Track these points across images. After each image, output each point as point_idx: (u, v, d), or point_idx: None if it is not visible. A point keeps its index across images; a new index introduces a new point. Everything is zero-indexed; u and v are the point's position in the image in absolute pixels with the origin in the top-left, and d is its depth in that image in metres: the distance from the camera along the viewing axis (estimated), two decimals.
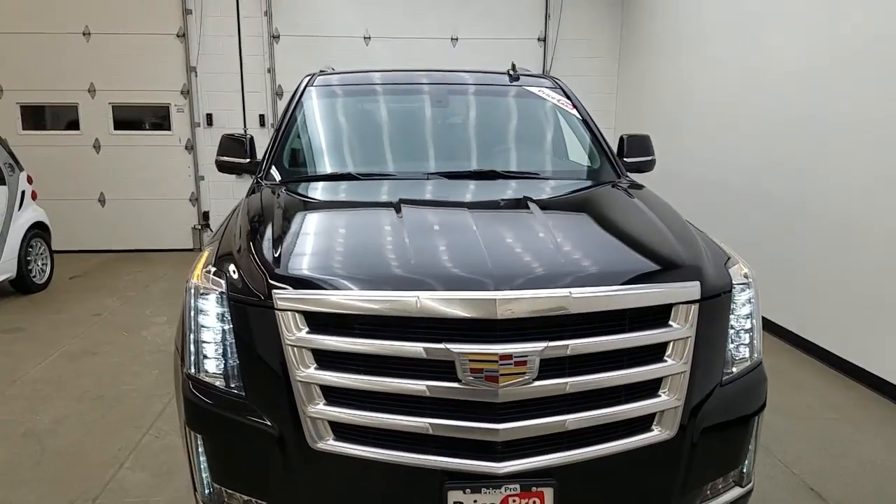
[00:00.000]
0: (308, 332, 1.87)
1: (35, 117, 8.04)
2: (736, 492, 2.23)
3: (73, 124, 8.02)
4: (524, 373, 1.83)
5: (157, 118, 8.13)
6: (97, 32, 7.79)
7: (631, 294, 1.95)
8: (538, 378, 1.85)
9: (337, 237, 2.33)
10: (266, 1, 7.93)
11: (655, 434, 1.98)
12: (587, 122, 3.53)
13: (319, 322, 1.89)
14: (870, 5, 4.07)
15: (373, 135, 3.45)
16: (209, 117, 8.12)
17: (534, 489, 1.88)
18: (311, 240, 2.28)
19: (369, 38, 8.12)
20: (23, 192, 6.29)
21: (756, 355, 2.27)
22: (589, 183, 3.17)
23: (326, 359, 1.88)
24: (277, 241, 2.19)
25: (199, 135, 8.16)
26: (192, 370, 2.05)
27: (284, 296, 1.89)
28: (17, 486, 3.00)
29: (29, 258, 6.23)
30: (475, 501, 1.87)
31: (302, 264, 2.06)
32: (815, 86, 4.58)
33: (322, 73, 3.81)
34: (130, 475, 3.10)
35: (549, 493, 1.88)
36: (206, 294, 2.05)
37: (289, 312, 1.88)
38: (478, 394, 1.84)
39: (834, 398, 4.00)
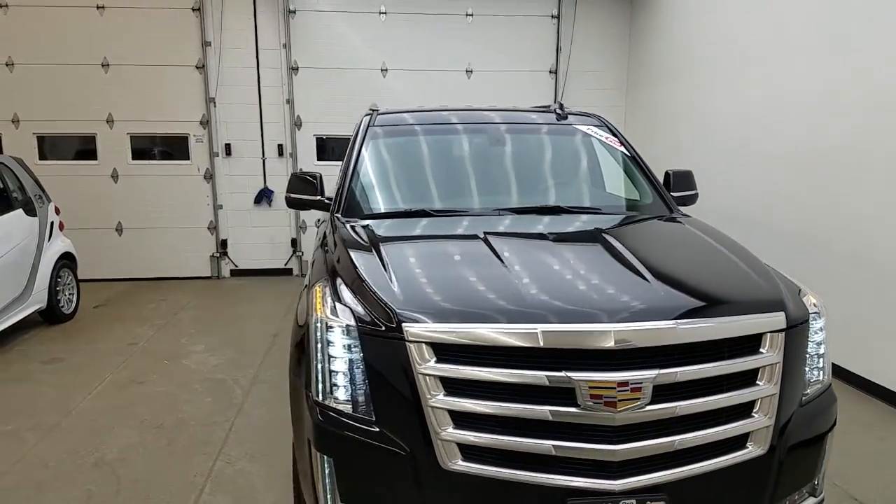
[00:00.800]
0: (436, 362, 2.03)
1: (52, 147, 8.13)
2: (810, 502, 2.41)
3: (91, 154, 8.11)
4: (639, 398, 2.00)
5: (176, 148, 8.25)
6: (116, 64, 7.93)
7: (730, 325, 2.14)
8: (650, 403, 2.02)
9: (447, 271, 2.49)
10: (285, 34, 8.13)
11: (749, 451, 2.16)
12: (636, 159, 3.75)
13: (446, 352, 2.04)
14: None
15: (441, 173, 3.62)
16: (228, 147, 8.26)
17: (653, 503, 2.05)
18: (424, 274, 2.44)
19: (386, 70, 8.34)
20: (52, 224, 6.38)
21: (826, 378, 2.46)
22: (650, 216, 3.36)
23: (454, 386, 2.04)
24: (393, 276, 2.34)
25: (218, 164, 8.28)
26: (320, 398, 2.19)
27: (415, 329, 2.05)
28: None
29: (58, 288, 6.30)
30: None
31: (425, 299, 2.21)
32: (815, 120, 4.85)
33: (377, 111, 3.99)
34: (212, 500, 3.20)
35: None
36: (332, 327, 2.20)
37: (419, 344, 2.04)
38: (596, 418, 1.99)
39: (854, 413, 4.21)
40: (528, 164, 3.71)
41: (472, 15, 8.38)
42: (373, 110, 4.04)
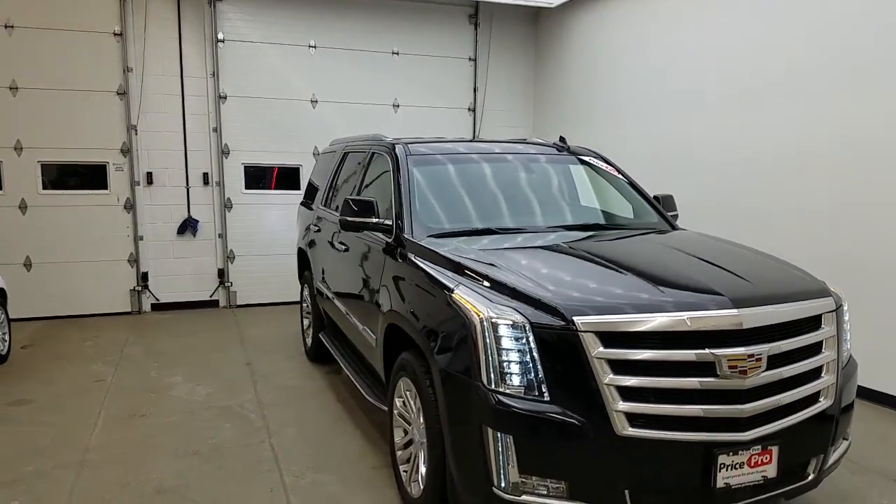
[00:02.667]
0: (604, 347, 2.47)
1: None
2: (846, 444, 3.11)
3: None
4: (759, 367, 2.58)
5: (93, 177, 7.81)
6: (26, 87, 7.42)
7: (807, 306, 2.81)
8: (765, 370, 2.60)
9: (575, 275, 2.93)
10: (213, 62, 8.08)
11: (822, 404, 2.82)
12: (634, 185, 4.42)
13: (611, 339, 2.49)
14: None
15: (482, 196, 4.04)
16: (149, 176, 7.97)
17: (768, 448, 2.60)
18: (558, 278, 2.85)
19: (316, 101, 8.54)
20: None
21: (849, 349, 3.19)
22: (669, 229, 4.02)
23: (619, 366, 2.49)
24: (537, 281, 2.74)
25: (139, 193, 7.95)
26: (493, 385, 2.53)
27: (585, 321, 2.48)
28: None
29: None
30: (733, 461, 2.55)
31: (582, 297, 2.63)
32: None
33: (399, 141, 4.31)
34: None
35: (775, 450, 2.62)
36: (499, 325, 2.55)
37: (589, 333, 2.47)
38: (731, 384, 2.54)
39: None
40: (552, 189, 4.25)
41: (397, 53, 8.85)
42: (394, 140, 4.36)
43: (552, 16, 8.98)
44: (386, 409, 3.68)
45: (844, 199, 4.90)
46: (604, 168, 4.51)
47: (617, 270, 2.95)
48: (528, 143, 4.69)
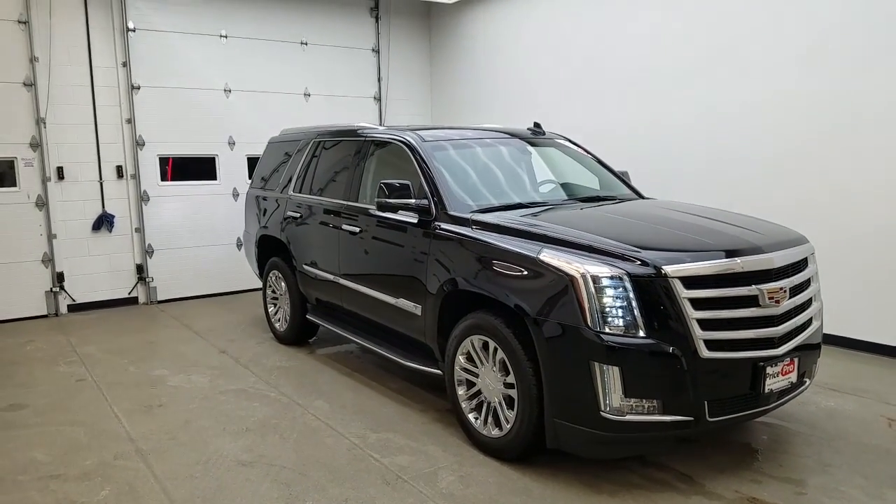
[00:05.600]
0: (686, 289, 3.22)
1: None
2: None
3: None
4: (786, 296, 3.45)
5: (0, 173, 7.25)
6: None
7: (804, 249, 3.75)
8: (788, 299, 3.48)
9: (639, 233, 3.62)
10: (123, 51, 7.77)
11: (816, 325, 3.78)
12: (601, 162, 5.24)
13: (691, 283, 3.23)
14: None
15: (497, 174, 4.64)
16: (60, 170, 7.52)
17: (792, 359, 3.50)
18: (628, 237, 3.50)
19: (230, 90, 8.50)
20: None
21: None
22: (646, 198, 4.88)
23: (698, 304, 3.23)
24: (616, 239, 3.42)
25: (51, 189, 7.49)
26: (598, 328, 3.19)
27: (674, 269, 3.22)
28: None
29: None
30: (773, 371, 3.38)
31: (661, 252, 3.31)
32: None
33: (414, 129, 4.79)
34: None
35: (797, 361, 3.54)
36: (600, 278, 3.21)
37: (676, 279, 3.21)
38: (769, 311, 3.37)
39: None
40: (550, 166, 4.97)
41: (306, 43, 9.03)
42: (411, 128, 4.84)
43: (446, 10, 9.67)
44: (432, 371, 4.20)
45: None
46: (575, 150, 5.28)
47: (662, 228, 3.73)
48: (515, 129, 5.28)
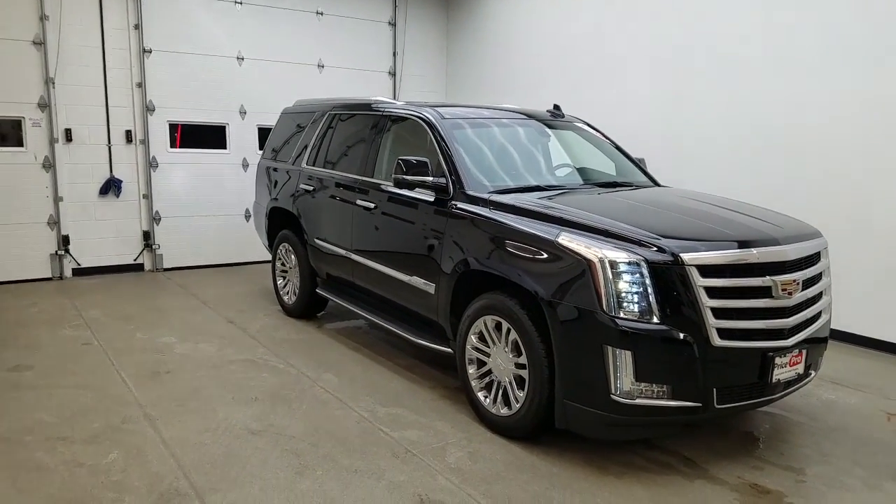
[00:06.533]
0: (702, 277, 3.24)
1: None
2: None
3: None
4: (798, 289, 3.46)
5: (8, 133, 7.20)
6: None
7: (818, 242, 3.76)
8: (801, 291, 3.50)
9: (657, 221, 3.63)
10: (136, 14, 7.69)
11: (825, 318, 3.80)
12: (619, 148, 5.22)
13: (707, 271, 3.24)
14: None
15: (520, 156, 4.65)
16: (68, 132, 7.49)
17: (800, 351, 3.53)
18: (647, 224, 3.51)
19: (242, 58, 8.43)
20: None
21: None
22: (661, 185, 4.88)
23: (712, 292, 3.24)
24: (636, 227, 3.42)
25: (59, 151, 7.46)
26: (612, 313, 3.20)
27: (691, 257, 3.23)
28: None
29: None
30: (782, 361, 3.41)
31: (680, 240, 3.32)
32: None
33: (433, 106, 4.77)
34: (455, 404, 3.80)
35: (805, 353, 3.57)
36: (618, 263, 3.22)
37: (693, 267, 3.22)
38: (781, 303, 3.39)
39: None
40: (571, 151, 4.96)
41: (322, 13, 8.94)
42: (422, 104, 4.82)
43: None
44: (443, 349, 4.23)
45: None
46: (593, 134, 5.27)
47: (679, 216, 3.74)
48: (524, 110, 5.28)
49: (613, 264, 3.23)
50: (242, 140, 8.58)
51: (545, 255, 3.47)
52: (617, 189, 4.52)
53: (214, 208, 8.49)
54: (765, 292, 3.37)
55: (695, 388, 3.26)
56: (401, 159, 4.26)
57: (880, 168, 5.27)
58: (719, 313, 3.26)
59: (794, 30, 5.72)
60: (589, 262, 3.27)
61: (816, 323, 3.69)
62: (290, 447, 3.61)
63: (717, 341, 3.23)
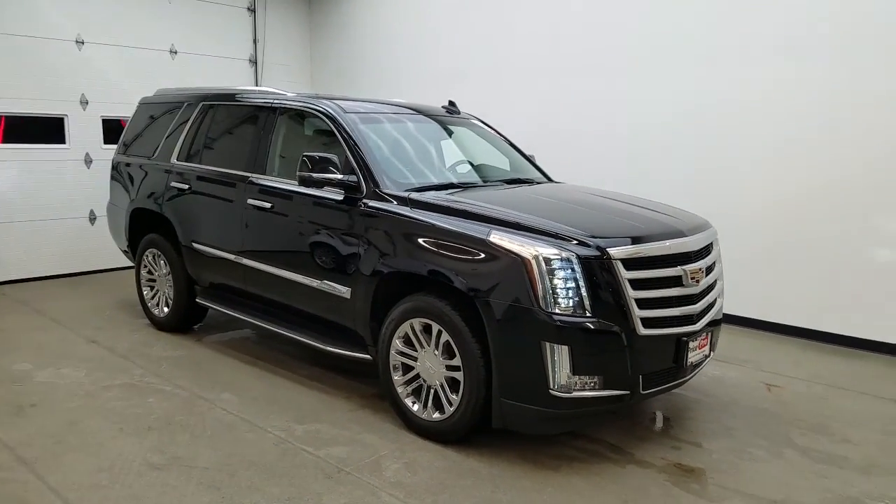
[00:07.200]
0: (626, 270, 3.33)
1: None
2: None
3: None
4: (702, 276, 3.67)
5: None
6: None
7: (712, 233, 4.00)
8: (704, 278, 3.70)
9: (581, 216, 3.72)
10: None
11: (721, 302, 4.03)
12: (512, 144, 5.26)
13: (630, 264, 3.35)
14: None
15: (423, 153, 4.52)
16: None
17: (706, 335, 3.75)
18: (571, 220, 3.56)
19: (83, 42, 7.48)
20: None
21: None
22: (555, 181, 4.96)
23: (635, 284, 3.36)
24: (560, 223, 3.44)
25: None
26: (549, 308, 3.21)
27: (617, 251, 3.32)
28: None
29: None
30: (693, 345, 3.59)
31: (605, 235, 3.39)
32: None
33: (330, 99, 4.51)
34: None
35: (710, 336, 3.80)
36: (551, 259, 3.22)
37: (618, 261, 3.30)
38: (689, 290, 3.57)
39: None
40: (469, 148, 4.90)
41: None
42: (323, 97, 4.60)
43: None
44: (360, 356, 4.02)
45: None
46: (487, 130, 5.25)
47: (597, 211, 3.83)
48: (417, 106, 5.13)
49: (548, 261, 3.22)
50: (84, 133, 7.63)
51: (478, 254, 3.38)
52: (520, 185, 4.54)
53: (52, 212, 7.49)
54: (676, 281, 3.52)
55: (624, 377, 3.35)
56: (306, 155, 3.97)
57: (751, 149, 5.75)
58: (642, 304, 3.37)
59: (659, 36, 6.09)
60: (524, 259, 3.24)
61: (714, 307, 3.93)
62: (205, 480, 3.24)
63: (641, 331, 3.34)
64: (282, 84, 9.14)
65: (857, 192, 5.23)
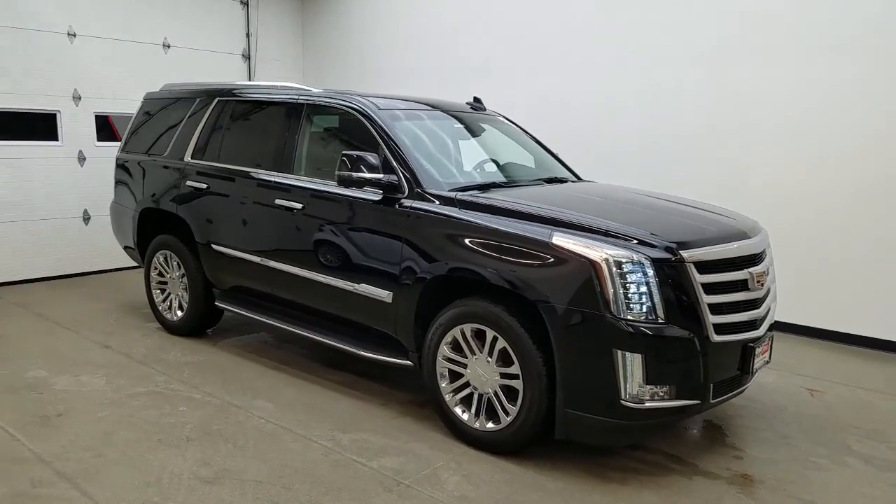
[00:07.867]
0: (700, 273, 3.22)
1: None
2: None
3: None
4: (765, 279, 3.58)
5: None
6: None
7: (766, 235, 3.88)
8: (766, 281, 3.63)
9: (644, 216, 3.61)
10: None
11: (775, 306, 3.92)
12: (538, 142, 5.14)
13: (703, 267, 3.24)
14: None
15: (459, 151, 4.37)
16: None
17: (767, 340, 3.65)
18: (639, 221, 3.45)
19: (74, 34, 7.15)
20: None
21: None
22: (589, 181, 4.85)
23: (708, 288, 3.25)
24: (628, 226, 3.32)
25: None
26: (620, 314, 3.09)
27: (691, 255, 3.21)
28: None
29: None
30: (758, 351, 3.50)
31: (676, 237, 3.29)
32: None
33: (360, 95, 4.34)
34: None
35: (771, 340, 3.71)
36: (622, 263, 3.11)
37: (691, 264, 3.20)
38: (755, 294, 3.49)
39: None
40: (500, 146, 4.77)
41: None
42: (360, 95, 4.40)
43: None
44: (401, 362, 3.87)
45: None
46: (514, 128, 5.12)
47: (653, 211, 3.73)
48: (441, 103, 4.95)
49: (618, 264, 3.10)
50: (77, 130, 7.31)
51: (540, 258, 3.25)
52: (558, 184, 4.42)
53: (46, 211, 7.15)
54: (742, 285, 3.44)
55: (695, 386, 3.23)
56: (345, 155, 3.80)
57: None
58: (714, 309, 3.27)
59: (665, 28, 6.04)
60: (592, 262, 3.11)
61: (772, 311, 3.86)
62: (262, 495, 3.05)
63: (714, 337, 3.24)
64: (276, 79, 9.01)
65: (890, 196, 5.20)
